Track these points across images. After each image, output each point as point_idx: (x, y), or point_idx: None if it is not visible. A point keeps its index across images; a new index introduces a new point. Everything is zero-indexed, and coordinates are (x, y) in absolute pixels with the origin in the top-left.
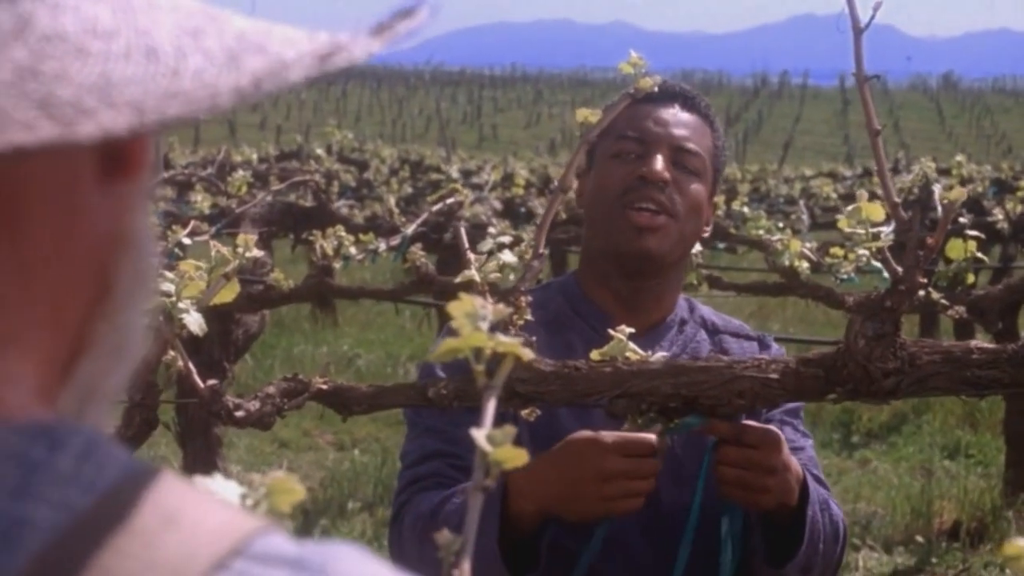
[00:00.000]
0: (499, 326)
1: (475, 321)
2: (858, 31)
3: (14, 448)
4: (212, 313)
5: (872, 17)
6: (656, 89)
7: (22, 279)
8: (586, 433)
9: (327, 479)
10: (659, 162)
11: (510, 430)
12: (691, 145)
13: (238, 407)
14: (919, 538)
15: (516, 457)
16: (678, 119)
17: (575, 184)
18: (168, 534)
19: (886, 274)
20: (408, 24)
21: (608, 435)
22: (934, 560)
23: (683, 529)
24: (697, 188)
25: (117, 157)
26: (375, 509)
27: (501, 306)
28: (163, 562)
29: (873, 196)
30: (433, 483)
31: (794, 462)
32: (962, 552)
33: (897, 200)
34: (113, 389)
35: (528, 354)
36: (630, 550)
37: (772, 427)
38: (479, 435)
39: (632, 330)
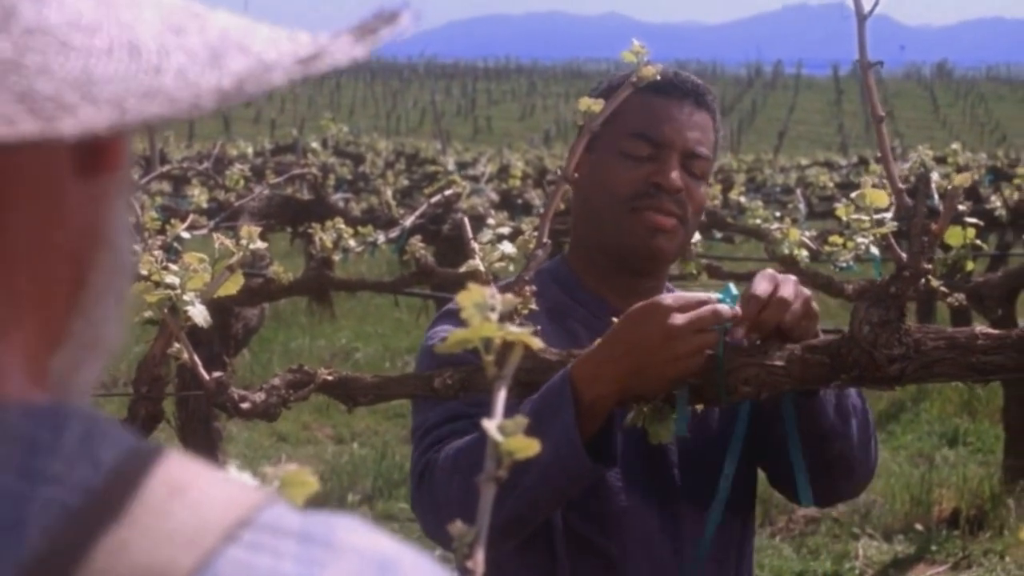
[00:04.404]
0: (505, 316)
1: (484, 311)
2: (861, 18)
3: (19, 430)
4: (212, 307)
5: (876, 4)
6: (659, 77)
7: (5, 274)
8: (641, 303)
9: (326, 472)
10: (675, 171)
11: (522, 420)
12: (703, 150)
13: (244, 399)
14: (918, 526)
15: (528, 447)
16: (692, 121)
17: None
18: (177, 506)
19: (881, 262)
20: (391, 29)
21: (666, 297)
22: (934, 548)
23: (700, 513)
24: (702, 192)
25: (96, 152)
26: (374, 502)
27: (510, 296)
28: (175, 534)
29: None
30: (460, 437)
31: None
32: (961, 540)
33: (901, 186)
34: (86, 381)
35: (538, 343)
36: (650, 539)
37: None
38: (490, 425)
39: None
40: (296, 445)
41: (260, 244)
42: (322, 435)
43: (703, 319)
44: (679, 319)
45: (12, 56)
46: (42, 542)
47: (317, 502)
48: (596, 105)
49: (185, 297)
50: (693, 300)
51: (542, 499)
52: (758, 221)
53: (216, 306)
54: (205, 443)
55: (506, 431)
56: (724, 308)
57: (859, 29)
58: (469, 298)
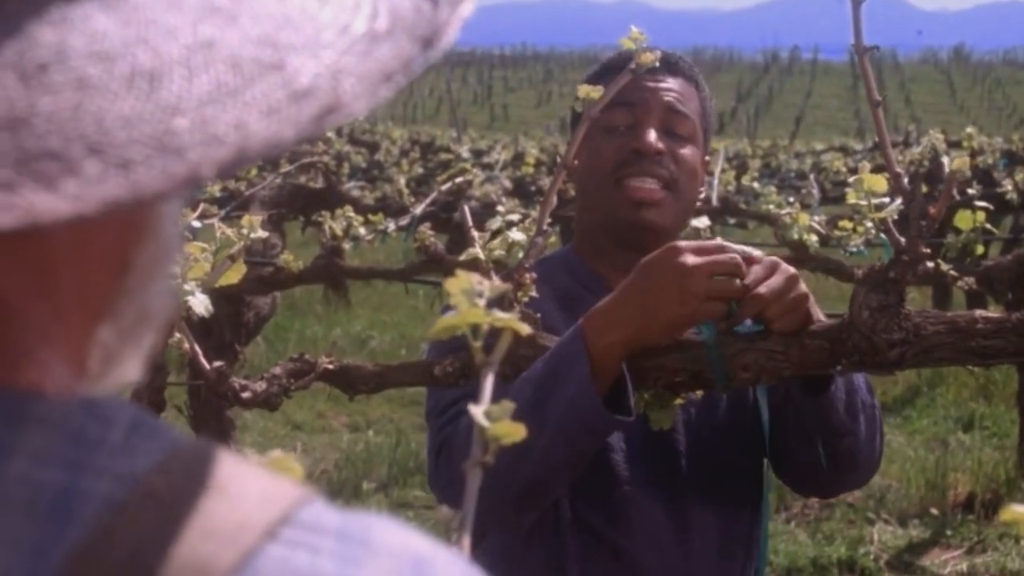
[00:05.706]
0: (504, 303)
1: (472, 298)
2: (857, 1)
3: (67, 422)
4: (222, 295)
5: None
6: (658, 64)
7: (47, 276)
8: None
9: (342, 460)
10: (652, 133)
11: (508, 405)
12: (681, 108)
13: (244, 388)
14: (934, 511)
15: (515, 432)
16: (666, 84)
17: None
18: (219, 502)
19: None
20: (422, 60)
21: (682, 241)
22: (949, 532)
23: (706, 503)
24: (690, 153)
25: None
26: (390, 490)
27: (499, 282)
28: (217, 530)
29: (881, 169)
30: None
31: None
32: (976, 524)
33: (899, 171)
34: (133, 352)
35: (526, 329)
36: (657, 529)
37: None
38: (477, 411)
39: None
40: (311, 433)
41: (262, 233)
42: (337, 423)
43: (721, 263)
44: (694, 259)
45: (25, 102)
46: (86, 534)
47: (332, 490)
48: (595, 92)
49: (185, 286)
50: (712, 246)
51: (560, 459)
52: (771, 207)
53: (226, 295)
54: (218, 432)
55: (492, 416)
56: (742, 260)
57: (854, 12)
58: (457, 285)
